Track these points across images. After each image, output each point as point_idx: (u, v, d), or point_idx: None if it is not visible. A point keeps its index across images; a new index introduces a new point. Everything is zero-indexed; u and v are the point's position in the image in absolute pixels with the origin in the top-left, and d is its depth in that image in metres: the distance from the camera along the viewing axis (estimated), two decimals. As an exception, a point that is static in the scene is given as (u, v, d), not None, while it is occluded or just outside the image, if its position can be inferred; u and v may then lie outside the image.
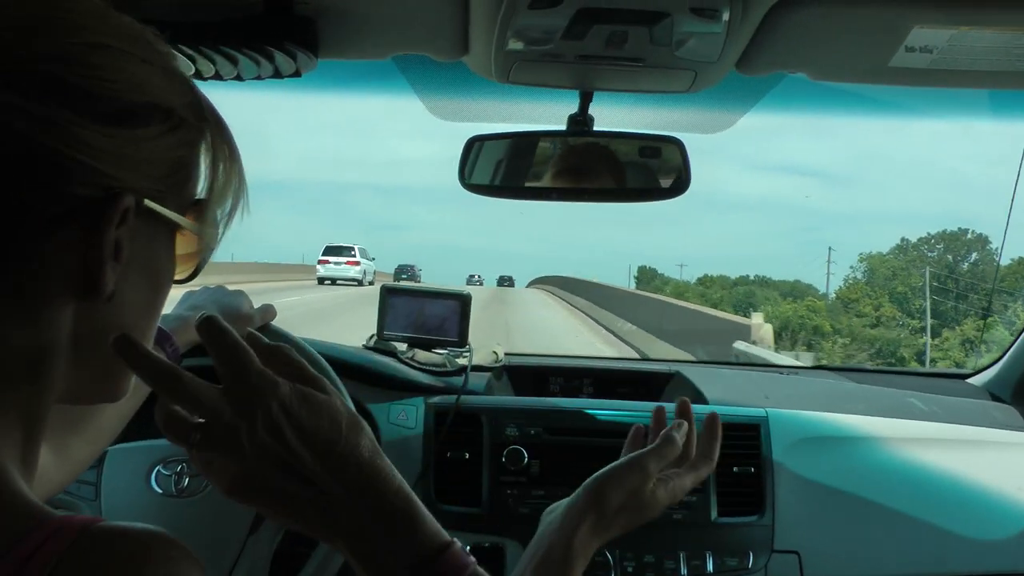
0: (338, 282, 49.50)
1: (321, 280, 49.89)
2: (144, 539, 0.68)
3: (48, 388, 0.78)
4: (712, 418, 1.40)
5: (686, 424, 1.35)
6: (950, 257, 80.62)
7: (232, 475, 0.87)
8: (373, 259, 55.87)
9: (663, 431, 1.33)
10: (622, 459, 1.28)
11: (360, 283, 49.13)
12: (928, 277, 67.42)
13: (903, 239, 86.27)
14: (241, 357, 0.87)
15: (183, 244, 0.88)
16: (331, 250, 51.52)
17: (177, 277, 0.91)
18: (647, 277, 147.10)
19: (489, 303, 41.57)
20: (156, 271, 0.86)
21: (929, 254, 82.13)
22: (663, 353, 21.30)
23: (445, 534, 0.94)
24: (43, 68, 0.71)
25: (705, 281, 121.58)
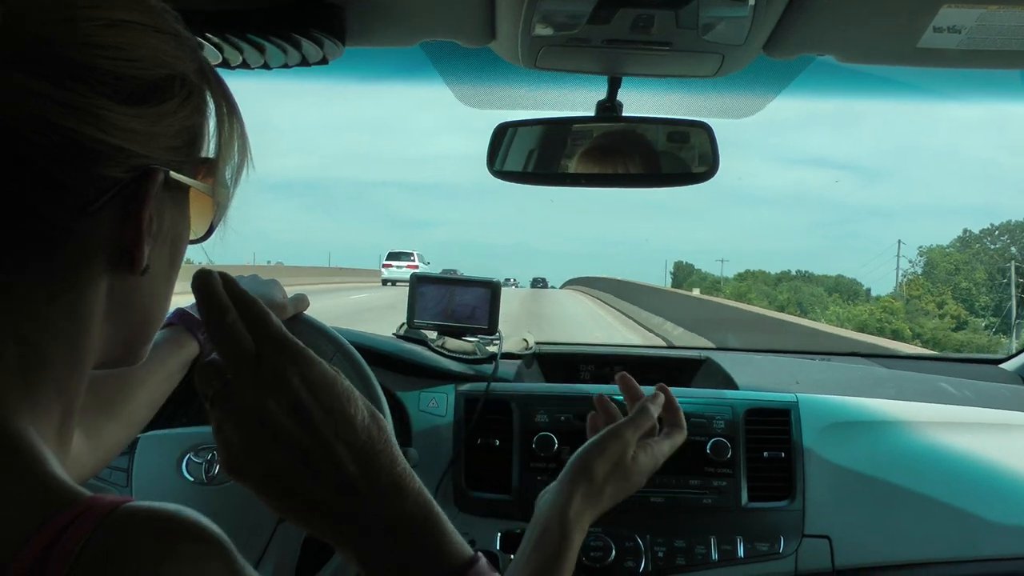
0: (397, 283, 52.39)
1: (385, 282, 54.34)
2: (172, 519, 0.68)
3: (84, 361, 0.80)
4: (660, 388, 1.42)
5: (661, 395, 1.39)
6: (1015, 249, 77.30)
7: (236, 447, 0.83)
8: (428, 263, 61.03)
9: (638, 402, 1.36)
10: (601, 431, 1.31)
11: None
12: (1014, 272, 64.04)
13: (965, 231, 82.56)
14: (260, 313, 0.85)
15: (197, 205, 0.90)
16: (393, 255, 57.72)
17: (193, 237, 0.92)
18: (683, 273, 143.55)
19: (526, 300, 41.65)
20: (176, 237, 0.87)
21: (992, 246, 79.39)
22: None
23: (469, 548, 0.90)
24: (69, 54, 0.72)
25: (746, 277, 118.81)
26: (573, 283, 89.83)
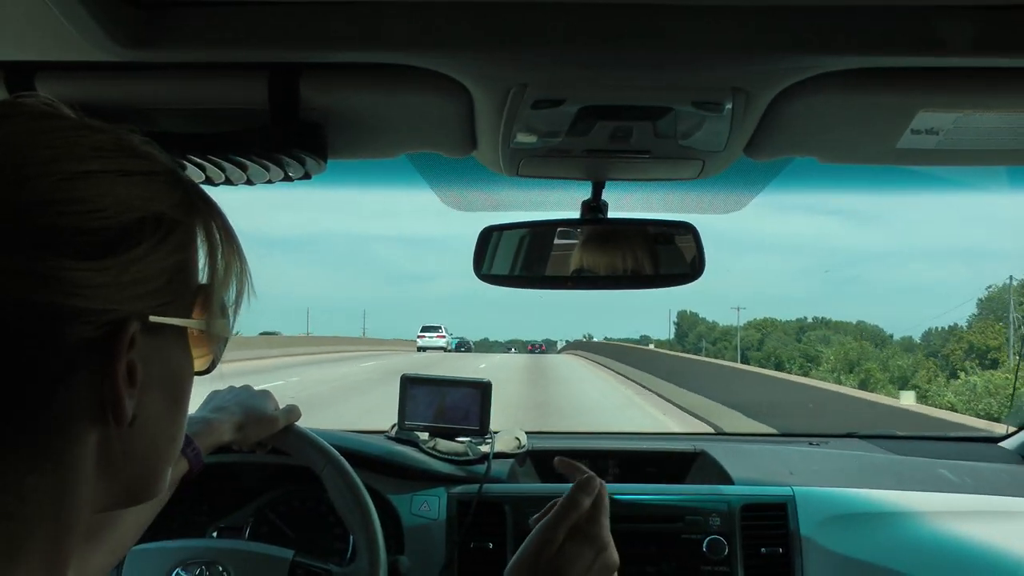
0: (428, 350, 71.29)
1: (420, 349, 72.87)
2: None
3: (73, 524, 0.76)
4: (558, 462, 1.62)
5: (593, 482, 1.47)
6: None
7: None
8: (451, 333, 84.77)
9: (568, 493, 1.42)
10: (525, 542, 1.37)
11: (445, 350, 73.74)
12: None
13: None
14: None
15: (197, 339, 0.86)
16: (426, 328, 77.52)
17: (197, 369, 0.88)
18: (688, 323, 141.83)
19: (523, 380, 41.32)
20: (174, 378, 0.83)
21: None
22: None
23: None
24: (31, 219, 0.69)
25: (764, 325, 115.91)
26: (572, 347, 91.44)
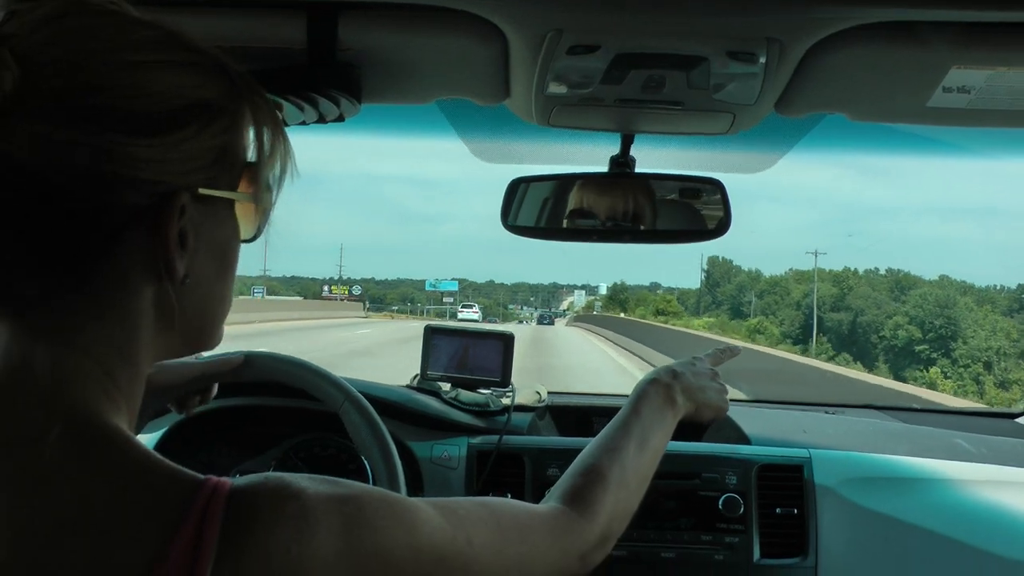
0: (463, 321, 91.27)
1: (460, 320, 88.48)
2: (285, 487, 0.81)
3: (139, 365, 0.89)
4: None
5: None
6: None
7: None
8: (480, 308, 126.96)
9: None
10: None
11: (477, 321, 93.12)
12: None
13: None
14: None
15: (243, 211, 0.97)
16: (464, 306, 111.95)
17: (243, 237, 0.99)
18: (721, 271, 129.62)
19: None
20: (223, 243, 0.95)
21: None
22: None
23: None
24: (88, 100, 0.79)
25: (844, 277, 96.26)
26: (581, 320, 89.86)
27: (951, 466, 2.31)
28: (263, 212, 0.99)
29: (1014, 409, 3.00)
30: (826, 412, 2.83)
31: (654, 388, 1.43)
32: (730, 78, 1.46)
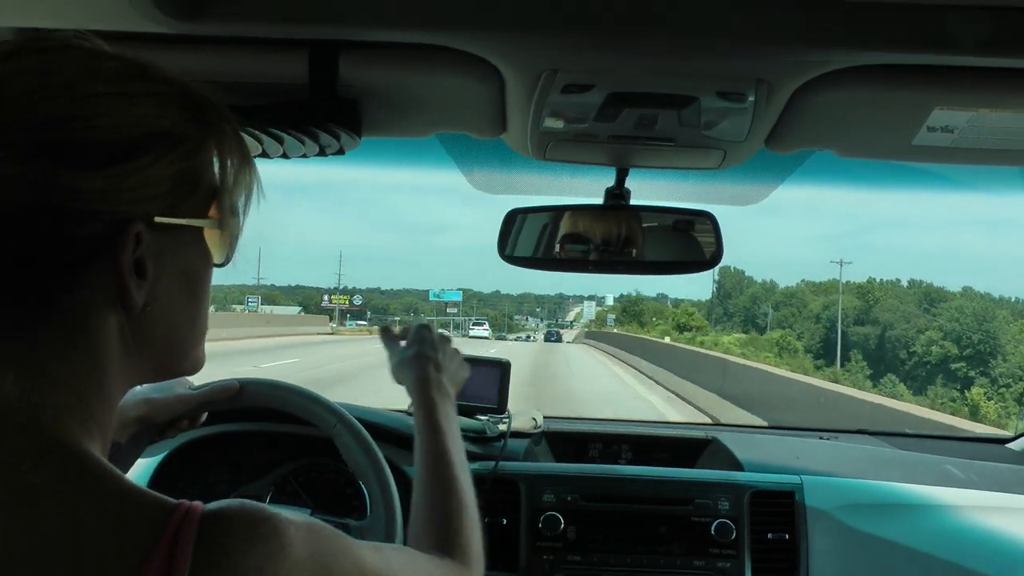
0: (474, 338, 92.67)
1: (471, 337, 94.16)
2: (255, 514, 0.82)
3: (110, 395, 0.90)
4: None
5: None
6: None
7: None
8: (492, 326, 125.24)
9: None
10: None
11: (487, 338, 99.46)
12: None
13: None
14: None
15: (212, 234, 0.96)
16: (475, 323, 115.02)
17: (216, 262, 0.99)
18: (733, 282, 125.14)
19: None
20: (189, 269, 0.95)
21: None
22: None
23: None
24: (42, 135, 0.81)
25: (868, 289, 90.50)
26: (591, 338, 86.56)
27: (941, 492, 2.34)
28: (230, 237, 0.99)
29: (1003, 434, 3.02)
30: (819, 438, 2.85)
31: (435, 392, 1.46)
32: (720, 116, 1.50)
